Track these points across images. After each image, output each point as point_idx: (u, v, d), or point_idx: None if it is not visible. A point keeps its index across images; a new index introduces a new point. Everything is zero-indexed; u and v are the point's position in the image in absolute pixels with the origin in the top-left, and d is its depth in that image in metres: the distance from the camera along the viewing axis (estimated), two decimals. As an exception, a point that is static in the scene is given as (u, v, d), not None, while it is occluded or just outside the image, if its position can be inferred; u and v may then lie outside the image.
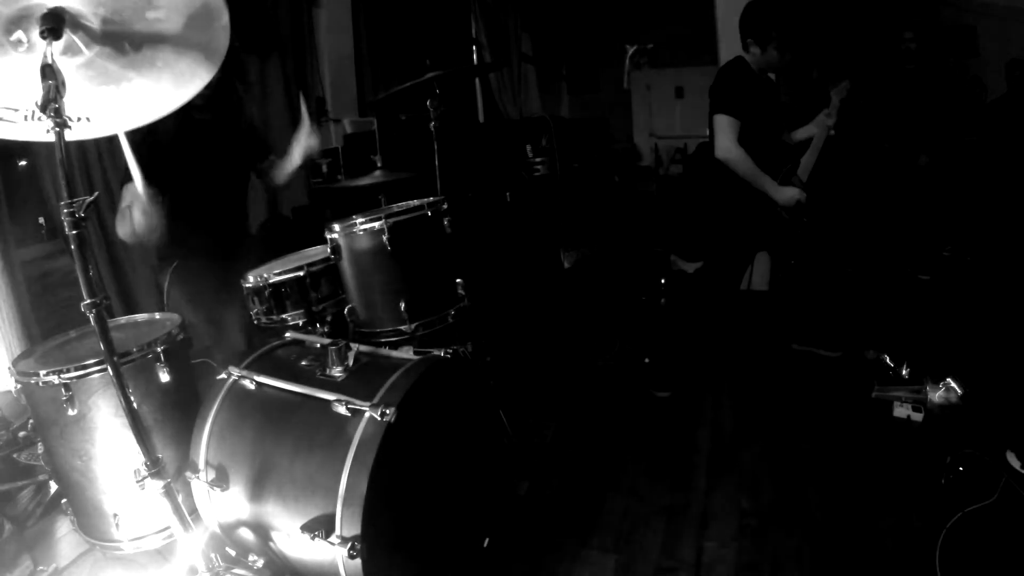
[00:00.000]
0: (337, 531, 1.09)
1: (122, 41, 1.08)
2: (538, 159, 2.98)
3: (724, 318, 2.99)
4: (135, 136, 1.71)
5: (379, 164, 2.18)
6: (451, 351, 1.53)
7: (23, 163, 2.54)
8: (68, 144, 1.01)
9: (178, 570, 1.33)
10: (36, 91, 0.98)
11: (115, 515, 1.48)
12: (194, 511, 1.33)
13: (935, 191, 3.83)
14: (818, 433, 2.05)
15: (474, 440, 1.55)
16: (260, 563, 1.27)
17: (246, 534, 1.28)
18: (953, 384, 2.17)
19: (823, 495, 1.72)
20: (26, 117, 1.02)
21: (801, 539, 1.55)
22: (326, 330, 1.70)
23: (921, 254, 3.89)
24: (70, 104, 1.03)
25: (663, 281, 3.67)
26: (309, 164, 3.45)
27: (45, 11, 0.99)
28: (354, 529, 1.08)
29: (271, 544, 1.24)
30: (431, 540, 1.37)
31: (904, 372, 2.34)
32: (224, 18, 1.12)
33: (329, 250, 1.66)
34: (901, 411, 2.10)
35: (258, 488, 1.23)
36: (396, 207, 1.78)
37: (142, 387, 1.48)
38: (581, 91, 7.69)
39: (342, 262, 1.66)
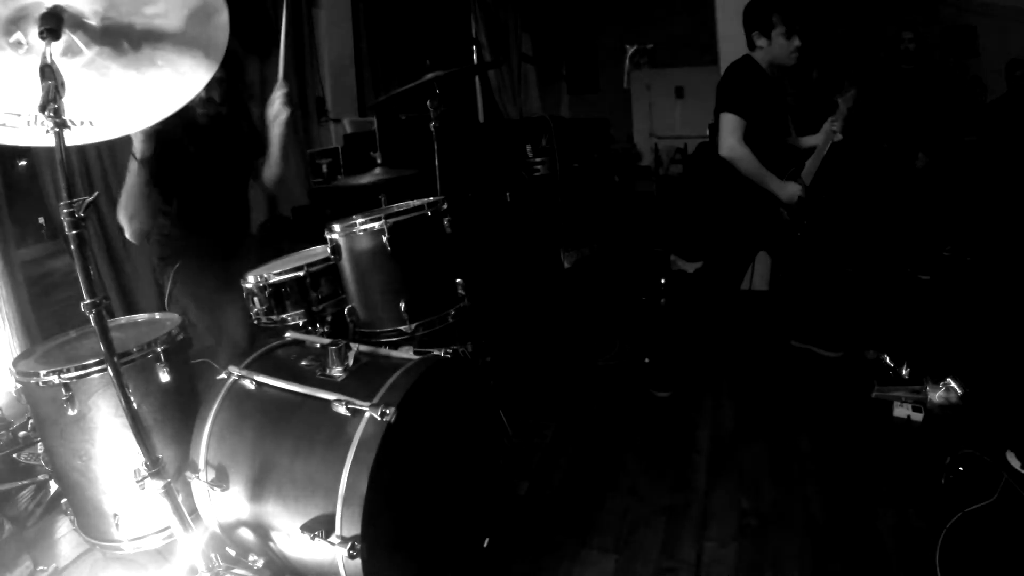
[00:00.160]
0: (337, 531, 1.09)
1: (121, 40, 1.08)
2: (538, 159, 2.97)
3: (724, 318, 2.99)
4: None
5: (379, 161, 2.18)
6: (451, 351, 1.53)
7: (23, 163, 2.54)
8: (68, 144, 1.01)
9: (178, 570, 1.33)
10: (38, 96, 0.98)
11: (115, 515, 1.48)
12: (194, 511, 1.33)
13: (934, 191, 3.83)
14: (818, 433, 2.05)
15: (474, 440, 1.55)
16: (260, 563, 1.27)
17: (246, 534, 1.28)
18: (953, 384, 2.17)
19: (823, 495, 1.72)
20: (29, 122, 1.02)
21: (801, 539, 1.55)
22: (326, 330, 1.70)
23: (921, 254, 3.89)
24: (73, 108, 1.03)
25: (663, 281, 3.67)
26: (309, 164, 3.46)
27: (44, 11, 0.99)
28: (354, 529, 1.08)
29: (271, 544, 1.24)
30: (431, 540, 1.37)
31: (904, 372, 2.34)
32: (223, 15, 1.11)
33: (329, 250, 1.66)
34: (901, 411, 2.10)
35: (258, 488, 1.23)
36: (396, 207, 1.78)
37: (142, 387, 1.48)
38: (581, 91, 7.69)
39: (342, 262, 1.66)
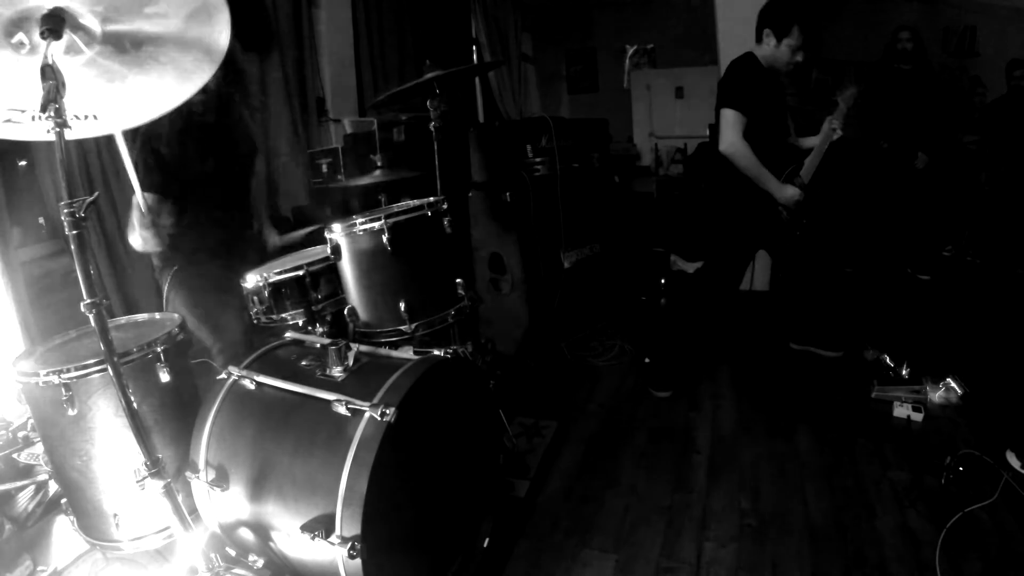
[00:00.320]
0: (337, 531, 1.09)
1: (122, 40, 1.08)
2: (538, 159, 2.97)
3: (724, 318, 2.99)
4: (137, 146, 1.72)
5: (379, 164, 2.18)
6: (451, 351, 1.53)
7: (23, 163, 2.54)
8: (68, 144, 1.01)
9: (178, 570, 1.33)
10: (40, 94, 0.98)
11: (115, 515, 1.48)
12: (194, 511, 1.33)
13: (934, 191, 3.83)
14: (818, 433, 2.05)
15: (474, 440, 1.55)
16: (260, 563, 1.27)
17: (246, 534, 1.28)
18: (953, 384, 2.17)
19: (823, 495, 1.72)
20: (33, 117, 1.02)
21: (801, 539, 1.56)
22: (326, 330, 1.70)
23: (921, 254, 3.89)
24: (76, 103, 1.03)
25: (663, 281, 3.67)
26: (309, 164, 3.47)
27: (45, 12, 0.99)
28: (354, 529, 1.08)
29: (271, 544, 1.24)
30: (431, 540, 1.37)
31: (904, 372, 2.34)
32: (224, 15, 1.11)
33: (329, 250, 1.66)
34: (901, 411, 2.11)
35: (258, 488, 1.23)
36: (396, 207, 1.77)
37: (142, 387, 1.48)
38: (581, 91, 7.69)
39: (342, 262, 1.66)
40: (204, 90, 1.20)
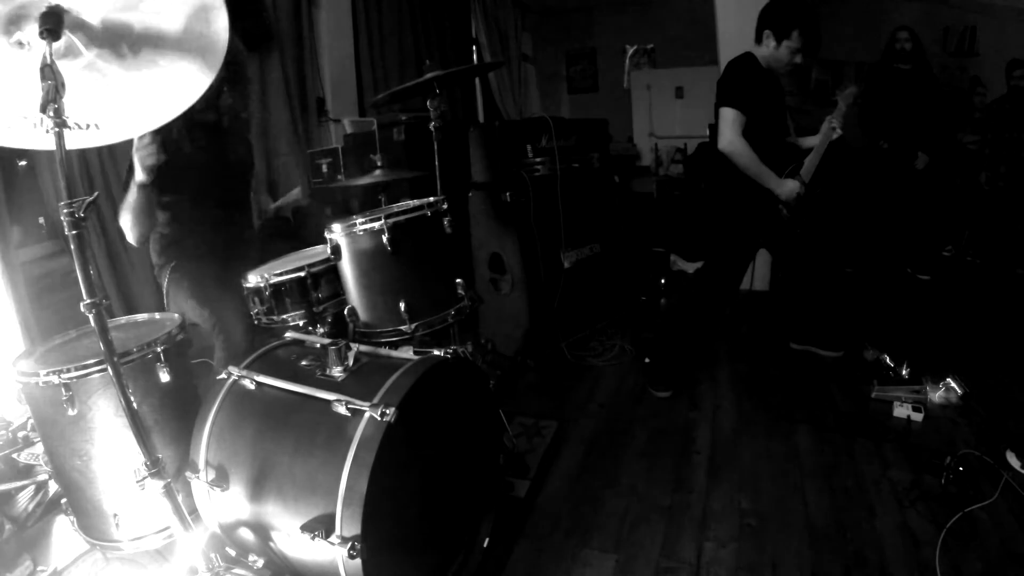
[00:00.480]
0: (337, 531, 1.09)
1: (121, 42, 1.08)
2: (538, 159, 2.97)
3: (724, 318, 3.00)
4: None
5: (379, 164, 2.18)
6: (451, 351, 1.53)
7: (23, 163, 2.54)
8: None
9: (178, 570, 1.33)
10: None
11: (115, 515, 1.48)
12: (194, 511, 1.33)
13: (934, 191, 3.84)
14: (818, 433, 2.05)
15: (474, 440, 1.55)
16: (260, 563, 1.28)
17: (246, 534, 1.28)
18: (953, 384, 2.17)
19: (823, 495, 1.72)
20: (35, 124, 1.02)
21: (801, 539, 1.56)
22: (326, 330, 1.70)
23: (921, 254, 3.89)
24: (78, 111, 1.03)
25: (663, 281, 3.67)
26: (309, 164, 3.47)
27: (44, 9, 0.99)
28: (354, 529, 1.08)
29: (271, 544, 1.24)
30: (431, 540, 1.37)
31: (904, 372, 2.34)
32: (223, 15, 1.11)
33: (329, 250, 1.66)
34: (901, 411, 2.11)
35: (258, 488, 1.23)
36: (396, 207, 1.77)
37: (142, 387, 1.48)
38: (581, 91, 7.70)
39: (342, 262, 1.66)
40: (211, 90, 1.20)
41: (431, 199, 1.73)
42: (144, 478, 1.10)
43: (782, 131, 2.43)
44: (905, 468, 1.81)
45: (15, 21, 0.99)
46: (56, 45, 1.01)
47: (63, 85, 1.00)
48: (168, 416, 1.53)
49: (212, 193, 1.97)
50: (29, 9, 0.99)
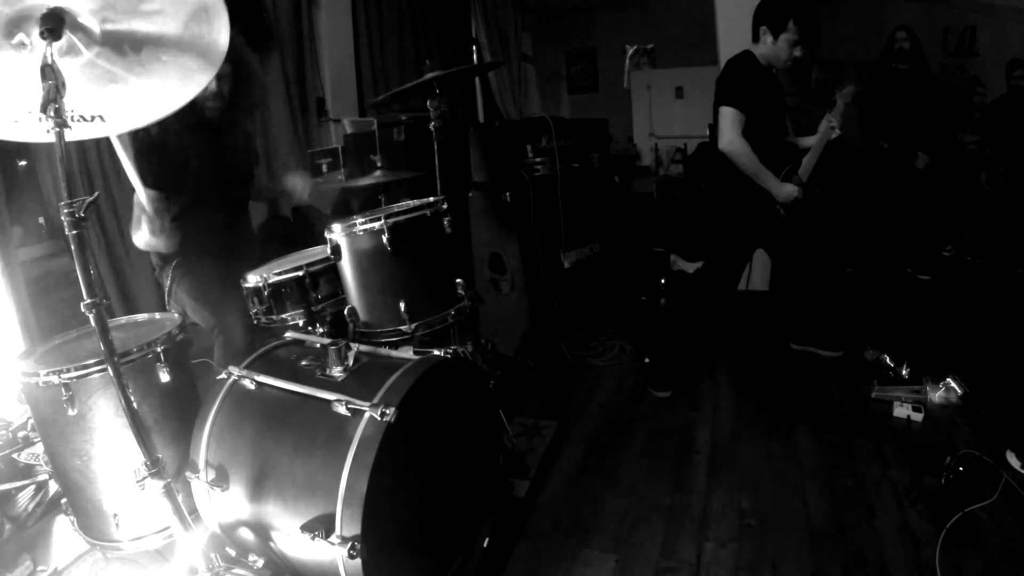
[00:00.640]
0: (337, 531, 1.09)
1: (122, 41, 1.08)
2: (538, 159, 2.97)
3: (724, 318, 2.99)
4: (137, 142, 1.73)
5: (379, 164, 2.18)
6: (451, 351, 1.53)
7: (23, 163, 2.54)
8: (68, 144, 1.01)
9: (178, 570, 1.33)
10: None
11: (115, 515, 1.48)
12: (194, 511, 1.33)
13: (934, 191, 3.84)
14: (818, 433, 2.05)
15: (474, 440, 1.55)
16: (260, 563, 1.28)
17: (246, 534, 1.28)
18: (953, 384, 2.17)
19: (823, 495, 1.72)
20: (40, 119, 1.02)
21: (800, 539, 1.56)
22: (326, 330, 1.70)
23: (921, 254, 3.89)
24: (82, 104, 1.03)
25: (663, 281, 3.67)
26: (309, 164, 3.47)
27: (45, 11, 0.99)
28: (354, 529, 1.08)
29: (271, 544, 1.24)
30: (431, 540, 1.37)
31: (904, 372, 2.34)
32: (223, 15, 1.11)
33: (329, 250, 1.66)
34: (901, 411, 2.11)
35: (258, 488, 1.23)
36: (396, 207, 1.77)
37: (142, 387, 1.48)
38: (581, 91, 7.70)
39: (342, 262, 1.66)
40: (210, 88, 1.20)
41: (431, 199, 1.73)
42: (144, 478, 1.10)
43: (781, 130, 2.43)
44: (905, 468, 1.81)
45: (17, 23, 0.99)
46: (58, 44, 1.01)
47: (63, 85, 1.00)
48: (168, 416, 1.53)
49: (214, 194, 1.97)
50: (31, 11, 0.99)
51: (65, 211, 1.01)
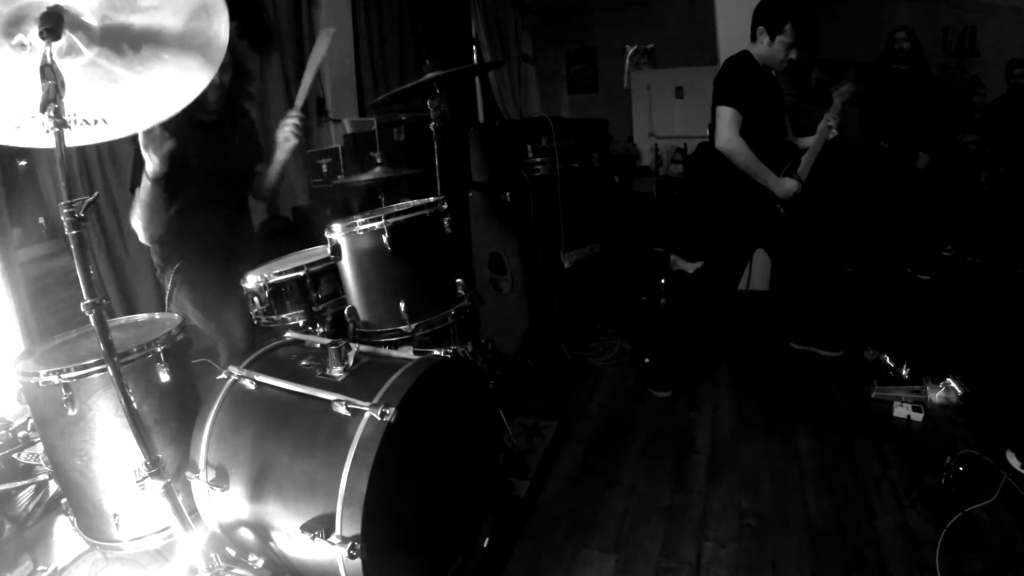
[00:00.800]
0: (337, 531, 1.09)
1: (121, 40, 1.08)
2: (538, 159, 2.97)
3: (724, 318, 2.99)
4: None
5: (379, 163, 2.18)
6: (451, 351, 1.53)
7: (23, 163, 2.54)
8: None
9: (178, 570, 1.33)
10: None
11: (115, 515, 1.48)
12: (194, 511, 1.33)
13: (934, 191, 3.84)
14: (818, 433, 2.05)
15: (474, 440, 1.55)
16: (260, 563, 1.27)
17: (246, 534, 1.28)
18: (953, 384, 2.17)
19: (823, 495, 1.72)
20: (42, 123, 1.02)
21: (800, 539, 1.56)
22: (326, 330, 1.70)
23: (921, 254, 3.90)
24: (84, 108, 1.02)
25: (663, 281, 3.67)
26: (309, 164, 3.46)
27: (44, 10, 0.99)
28: (354, 529, 1.08)
29: (271, 544, 1.24)
30: (431, 540, 1.37)
31: (904, 372, 2.34)
32: (223, 14, 1.11)
33: (329, 250, 1.66)
34: (901, 411, 2.11)
35: (258, 488, 1.23)
36: (396, 207, 1.77)
37: (142, 387, 1.48)
38: (581, 91, 7.70)
39: (342, 262, 1.66)
40: (212, 88, 1.20)
41: (431, 199, 1.73)
42: (144, 478, 1.10)
43: (779, 129, 2.43)
44: (905, 468, 1.81)
45: (16, 23, 0.99)
46: (57, 44, 1.01)
47: (63, 85, 1.00)
48: (168, 416, 1.53)
49: (214, 194, 1.97)
50: (30, 10, 0.99)
51: (65, 211, 1.01)
